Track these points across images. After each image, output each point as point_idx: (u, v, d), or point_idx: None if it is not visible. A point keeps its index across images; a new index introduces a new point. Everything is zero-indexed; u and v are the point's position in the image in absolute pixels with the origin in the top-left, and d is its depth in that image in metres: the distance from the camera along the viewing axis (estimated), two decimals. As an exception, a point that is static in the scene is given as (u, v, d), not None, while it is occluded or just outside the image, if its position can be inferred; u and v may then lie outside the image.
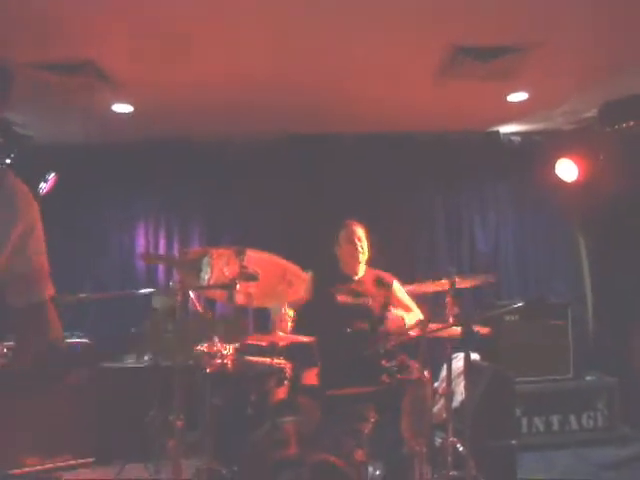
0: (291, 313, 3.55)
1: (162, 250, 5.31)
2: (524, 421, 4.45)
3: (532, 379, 4.53)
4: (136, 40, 3.37)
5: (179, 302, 2.80)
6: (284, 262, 3.08)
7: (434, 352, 3.46)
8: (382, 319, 3.54)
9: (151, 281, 5.22)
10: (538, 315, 4.67)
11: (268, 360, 3.22)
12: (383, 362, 3.26)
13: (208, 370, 3.06)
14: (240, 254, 2.87)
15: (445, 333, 3.07)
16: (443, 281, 3.21)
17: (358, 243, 3.63)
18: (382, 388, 3.15)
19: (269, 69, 3.81)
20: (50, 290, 1.66)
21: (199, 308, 3.45)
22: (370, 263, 3.79)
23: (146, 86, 4.06)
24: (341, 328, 3.44)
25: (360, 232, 3.67)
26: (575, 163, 4.63)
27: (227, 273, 2.95)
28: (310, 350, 3.46)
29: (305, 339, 3.37)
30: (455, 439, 3.10)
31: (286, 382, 3.25)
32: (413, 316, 3.45)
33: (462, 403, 3.57)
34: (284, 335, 3.33)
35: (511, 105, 4.56)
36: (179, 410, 2.74)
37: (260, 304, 3.39)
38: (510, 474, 3.64)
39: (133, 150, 5.19)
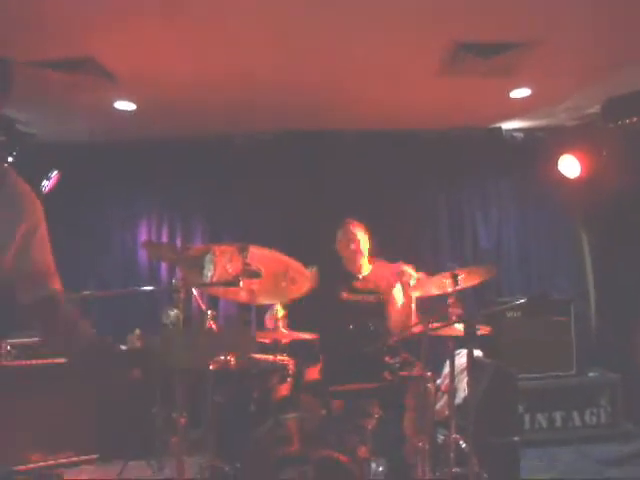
0: (281, 311, 3.54)
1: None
2: (527, 417, 4.44)
3: (535, 375, 4.52)
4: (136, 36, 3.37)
5: (182, 301, 2.80)
6: (287, 259, 3.08)
7: (437, 349, 3.46)
8: (384, 315, 3.56)
9: (154, 279, 5.23)
10: (541, 311, 4.66)
11: (271, 357, 3.22)
12: (386, 359, 3.25)
13: (211, 367, 3.07)
14: (243, 251, 2.87)
15: (448, 331, 3.07)
16: (445, 274, 3.20)
17: (353, 245, 3.65)
18: (385, 385, 3.15)
19: (270, 68, 3.81)
20: (57, 286, 1.66)
21: (202, 305, 3.45)
22: (374, 257, 3.80)
23: (148, 84, 4.06)
24: (344, 325, 3.45)
25: (357, 232, 3.68)
26: (578, 159, 4.62)
27: (230, 270, 2.95)
28: (312, 347, 3.47)
29: (308, 336, 3.37)
30: (458, 436, 3.10)
31: (289, 379, 3.25)
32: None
33: (465, 400, 3.58)
34: (287, 332, 3.33)
35: (514, 101, 4.55)
36: (182, 407, 2.75)
37: (263, 301, 3.39)
38: (513, 471, 3.64)
39: (136, 148, 5.19)
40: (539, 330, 4.64)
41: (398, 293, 3.65)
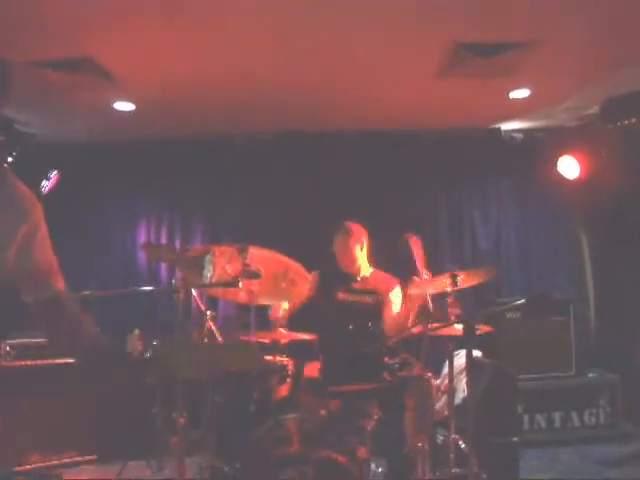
0: (285, 305, 3.55)
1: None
2: (526, 418, 4.45)
3: (534, 376, 4.52)
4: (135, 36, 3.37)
5: (181, 301, 2.81)
6: (287, 260, 3.08)
7: (436, 349, 3.46)
8: (382, 317, 3.56)
9: (153, 279, 5.23)
10: (540, 312, 4.67)
11: (271, 357, 3.22)
12: (385, 359, 3.25)
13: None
14: (243, 252, 2.87)
15: (447, 331, 3.07)
16: (445, 275, 3.20)
17: (345, 249, 3.66)
18: (384, 385, 3.15)
19: (270, 68, 3.81)
20: (60, 284, 1.66)
21: (202, 306, 3.45)
22: (373, 261, 3.81)
23: (147, 84, 4.06)
24: (342, 325, 3.45)
25: (350, 237, 3.69)
26: (577, 160, 4.63)
27: (230, 271, 2.95)
28: (311, 347, 3.47)
29: (307, 336, 3.38)
30: (457, 436, 3.10)
31: (289, 379, 3.26)
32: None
33: (464, 400, 3.58)
34: (286, 332, 3.33)
35: (513, 102, 4.55)
36: (182, 407, 2.75)
37: (263, 302, 3.39)
38: (512, 471, 3.64)
39: (135, 148, 5.19)
40: (538, 330, 4.64)
41: (396, 298, 3.66)
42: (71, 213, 4.96)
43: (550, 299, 4.75)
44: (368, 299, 3.65)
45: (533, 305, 4.31)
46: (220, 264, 2.95)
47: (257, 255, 2.92)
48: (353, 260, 3.69)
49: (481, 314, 3.15)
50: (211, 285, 3.03)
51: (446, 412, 3.29)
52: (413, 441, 2.97)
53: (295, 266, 3.06)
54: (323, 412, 3.08)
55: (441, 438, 3.26)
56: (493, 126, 5.27)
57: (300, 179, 5.22)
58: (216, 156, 5.23)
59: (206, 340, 3.14)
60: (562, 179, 4.74)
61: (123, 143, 5.16)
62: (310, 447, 2.83)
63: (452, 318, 3.08)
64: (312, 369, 3.41)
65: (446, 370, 3.46)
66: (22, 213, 1.58)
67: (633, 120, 4.05)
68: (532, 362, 4.56)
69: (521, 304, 2.82)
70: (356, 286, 3.68)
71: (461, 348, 3.63)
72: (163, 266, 5.30)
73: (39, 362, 4.14)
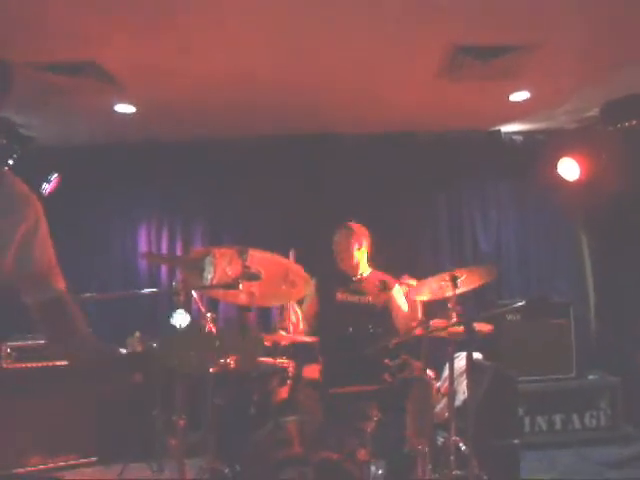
0: (299, 311, 3.56)
1: (165, 250, 5.32)
2: (527, 420, 4.44)
3: (535, 378, 4.52)
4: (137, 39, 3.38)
5: (182, 302, 2.81)
6: (287, 262, 3.09)
7: (436, 351, 3.48)
8: (383, 317, 3.57)
9: (154, 281, 5.23)
10: (540, 314, 4.67)
11: (271, 360, 3.23)
12: (385, 361, 3.26)
13: (211, 370, 3.07)
14: (243, 254, 2.87)
15: (447, 332, 3.08)
16: (445, 274, 3.21)
17: (345, 246, 3.67)
18: (384, 387, 3.16)
19: (269, 69, 3.82)
20: (61, 284, 1.66)
21: (202, 308, 3.45)
22: (373, 263, 3.82)
23: (148, 86, 4.07)
24: (341, 326, 3.46)
25: (351, 235, 3.70)
26: (577, 162, 4.63)
27: (230, 273, 2.95)
28: (312, 349, 3.47)
29: (307, 338, 3.38)
30: (458, 438, 3.11)
31: (289, 381, 3.26)
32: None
33: (464, 402, 3.58)
34: (286, 335, 3.33)
35: (513, 104, 4.56)
36: (182, 410, 2.75)
37: (263, 304, 3.39)
38: (513, 473, 3.64)
39: (135, 151, 5.20)
40: (539, 333, 4.64)
41: (398, 294, 3.66)
42: (72, 215, 4.96)
43: (550, 301, 4.75)
44: (367, 299, 3.66)
45: (533, 307, 4.32)
46: (220, 266, 2.95)
47: (257, 257, 2.92)
48: (352, 258, 3.69)
49: (481, 316, 3.15)
50: (211, 287, 3.03)
51: (446, 414, 3.29)
52: (413, 443, 2.97)
53: (295, 268, 3.07)
54: (323, 414, 3.09)
55: (441, 440, 3.26)
56: (493, 128, 5.28)
57: (300, 181, 5.23)
58: (216, 158, 5.24)
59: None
60: (562, 181, 4.74)
61: (124, 145, 5.17)
62: (310, 449, 2.83)
63: (453, 320, 3.09)
64: (312, 371, 3.42)
65: (447, 372, 3.46)
66: (21, 213, 1.58)
67: (633, 122, 4.05)
68: (533, 364, 4.56)
69: (521, 306, 2.83)
70: (354, 286, 3.69)
71: (461, 350, 3.64)
72: (163, 268, 5.31)
73: (40, 364, 4.15)
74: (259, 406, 3.19)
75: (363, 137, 5.16)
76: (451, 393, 3.19)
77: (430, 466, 2.97)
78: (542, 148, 5.14)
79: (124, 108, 4.45)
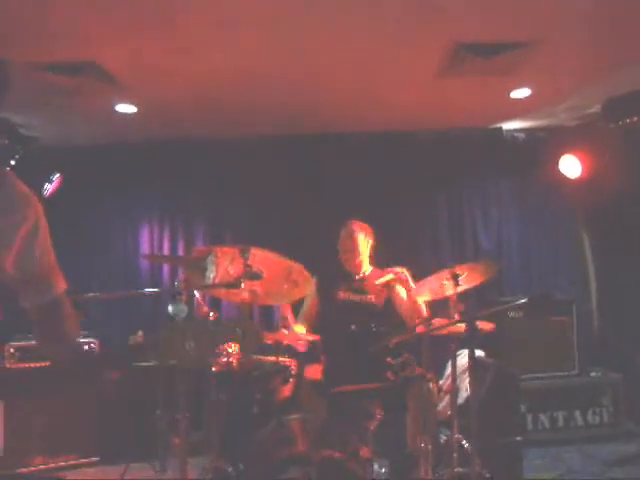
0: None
1: (166, 249, 5.32)
2: (529, 417, 4.45)
3: (537, 375, 4.53)
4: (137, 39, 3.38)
5: (186, 302, 2.81)
6: (289, 261, 3.09)
7: (439, 349, 3.47)
8: (385, 315, 3.57)
9: (155, 281, 5.24)
10: (542, 312, 4.67)
11: (273, 358, 3.23)
12: (388, 359, 3.26)
13: (214, 369, 3.07)
14: (245, 253, 2.87)
15: (449, 330, 3.08)
16: (446, 270, 3.21)
17: (351, 245, 3.67)
18: (387, 385, 3.16)
19: (270, 69, 3.82)
20: (62, 285, 1.66)
21: (204, 307, 3.46)
22: (375, 262, 3.82)
23: (149, 86, 4.07)
24: (344, 324, 3.46)
25: (358, 233, 3.69)
26: (579, 159, 4.62)
27: (232, 272, 2.96)
28: (314, 348, 3.48)
29: (309, 337, 3.38)
30: (460, 436, 3.11)
31: (291, 380, 3.26)
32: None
33: (467, 400, 3.58)
34: (288, 333, 3.34)
35: (514, 101, 4.55)
36: (184, 408, 2.75)
37: (265, 303, 3.40)
38: (516, 470, 3.64)
39: (136, 150, 5.21)
40: (541, 330, 4.65)
41: (400, 289, 3.66)
42: (73, 215, 4.97)
43: (552, 299, 4.76)
44: (370, 298, 3.66)
45: (535, 305, 4.32)
46: (222, 265, 2.95)
47: (259, 256, 2.93)
48: (357, 257, 3.68)
49: (482, 313, 3.15)
50: (213, 286, 3.03)
51: (449, 412, 3.29)
52: (416, 441, 2.97)
53: (297, 267, 3.07)
54: (326, 412, 3.09)
55: (444, 438, 3.26)
56: (494, 126, 5.27)
57: (300, 180, 5.23)
58: (217, 157, 5.23)
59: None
60: (563, 178, 4.73)
61: (125, 145, 5.17)
62: (313, 447, 2.83)
63: (455, 317, 3.09)
64: (315, 370, 3.42)
65: (449, 370, 3.46)
66: (21, 214, 1.57)
67: (635, 119, 4.05)
68: (535, 362, 4.57)
69: (522, 304, 2.83)
70: (356, 285, 3.69)
71: (463, 348, 3.64)
72: (165, 268, 5.31)
73: (43, 364, 4.15)
74: (262, 405, 3.19)
75: (364, 136, 5.16)
76: (453, 391, 3.20)
77: (433, 464, 2.96)
78: (543, 145, 5.14)
79: (125, 108, 4.45)
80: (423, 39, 3.48)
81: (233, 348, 3.10)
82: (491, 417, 3.58)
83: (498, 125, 5.27)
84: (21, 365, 4.18)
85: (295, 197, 5.20)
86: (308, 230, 4.93)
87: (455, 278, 3.16)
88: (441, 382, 3.84)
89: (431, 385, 3.11)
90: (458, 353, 3.45)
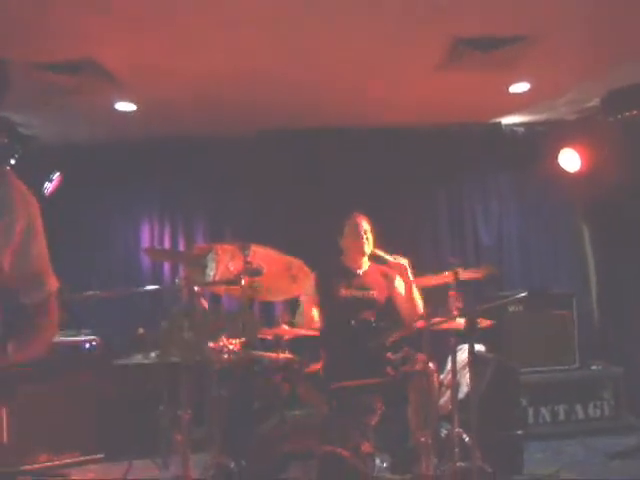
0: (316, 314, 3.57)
1: (167, 246, 5.33)
2: (530, 411, 4.46)
3: (538, 369, 4.54)
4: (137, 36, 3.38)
5: (185, 298, 2.83)
6: (288, 257, 3.10)
7: (439, 344, 3.48)
8: (386, 310, 3.58)
9: (156, 278, 5.25)
10: (543, 305, 4.68)
11: (274, 354, 3.24)
12: (388, 354, 3.27)
13: (215, 365, 3.08)
14: (245, 249, 2.88)
15: (449, 325, 3.09)
16: (446, 274, 3.22)
17: (363, 235, 3.65)
18: (387, 380, 3.17)
19: (270, 65, 3.82)
20: (55, 283, 1.67)
21: (205, 304, 3.46)
22: (374, 258, 3.82)
23: (148, 84, 4.07)
24: (345, 320, 3.47)
25: (365, 224, 3.69)
26: (578, 153, 4.62)
27: (232, 268, 2.97)
28: (314, 343, 3.49)
29: (310, 333, 3.39)
30: (461, 430, 3.12)
31: (292, 376, 3.27)
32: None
33: (468, 394, 3.59)
34: (288, 329, 3.34)
35: (513, 96, 4.55)
36: (186, 405, 2.77)
37: (265, 299, 3.41)
38: (516, 464, 3.66)
39: (137, 148, 5.21)
40: (541, 324, 4.66)
41: (400, 284, 3.66)
42: (74, 213, 4.98)
43: (551, 292, 4.77)
44: (371, 294, 3.66)
45: (536, 299, 4.33)
46: (223, 262, 2.97)
47: (259, 252, 2.94)
48: (361, 251, 3.68)
49: (482, 308, 3.15)
50: (214, 283, 3.04)
51: (450, 406, 3.30)
52: (417, 435, 2.99)
53: (297, 263, 3.08)
54: (327, 408, 3.10)
55: (445, 432, 3.28)
56: (493, 120, 5.27)
57: (300, 175, 5.23)
58: (217, 154, 5.24)
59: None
60: (563, 172, 4.73)
61: (125, 143, 5.17)
62: (314, 442, 2.85)
63: (454, 312, 3.10)
64: (316, 366, 3.43)
65: (450, 365, 3.47)
66: (19, 213, 1.58)
67: (634, 112, 4.05)
68: (535, 355, 4.57)
69: (522, 297, 2.84)
70: (357, 281, 3.69)
71: (464, 343, 3.64)
72: (166, 265, 5.32)
73: (46, 361, 4.16)
74: (263, 400, 3.21)
75: (363, 131, 5.16)
76: (454, 385, 3.21)
77: (434, 458, 2.98)
78: (543, 139, 5.13)
79: (124, 106, 4.46)
80: (422, 33, 3.48)
81: (234, 343, 3.11)
82: (492, 411, 3.59)
83: (497, 119, 5.26)
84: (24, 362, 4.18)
85: (295, 193, 5.20)
86: (308, 225, 4.93)
87: (455, 276, 3.17)
88: (442, 377, 3.85)
89: (432, 379, 3.11)
90: (458, 348, 3.46)
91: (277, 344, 3.27)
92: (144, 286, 5.00)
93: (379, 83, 4.24)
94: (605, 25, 3.40)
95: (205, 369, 3.13)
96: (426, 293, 3.59)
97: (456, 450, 3.06)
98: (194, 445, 2.94)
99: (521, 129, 5.34)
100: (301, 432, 2.98)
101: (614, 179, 4.47)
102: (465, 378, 3.75)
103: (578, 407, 4.53)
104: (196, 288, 3.24)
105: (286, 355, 3.30)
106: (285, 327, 3.34)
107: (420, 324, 3.10)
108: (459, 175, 5.44)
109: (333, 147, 5.20)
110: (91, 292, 4.62)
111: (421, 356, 3.27)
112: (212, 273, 2.94)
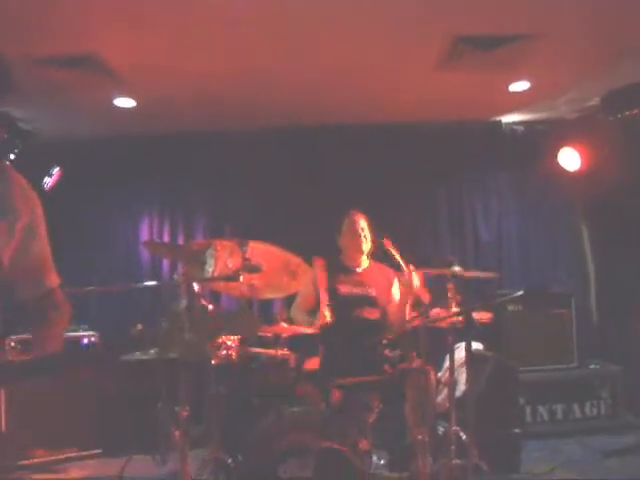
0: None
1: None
2: (528, 410, 4.46)
3: (536, 368, 4.54)
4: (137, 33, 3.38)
5: (183, 295, 2.82)
6: (287, 254, 3.10)
7: (437, 342, 3.48)
8: (386, 309, 3.59)
9: (156, 275, 5.25)
10: (541, 304, 4.68)
11: (272, 351, 3.24)
12: (385, 352, 3.27)
13: (213, 362, 3.09)
14: (243, 246, 2.88)
15: (446, 323, 3.09)
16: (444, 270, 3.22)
17: (361, 233, 3.66)
18: (385, 378, 3.17)
19: (269, 63, 3.82)
20: (56, 279, 1.68)
21: (203, 301, 3.46)
22: (373, 255, 3.82)
23: (148, 80, 4.07)
24: (344, 318, 3.47)
25: (363, 222, 3.70)
26: (578, 152, 4.62)
27: (230, 265, 2.97)
28: (313, 341, 3.49)
29: (308, 330, 3.39)
30: (458, 428, 3.12)
31: (290, 373, 3.27)
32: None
33: (465, 392, 3.59)
34: (287, 326, 3.35)
35: (513, 94, 4.55)
36: (185, 401, 2.77)
37: (264, 296, 3.41)
38: (514, 462, 3.66)
39: (136, 144, 5.21)
40: (540, 323, 4.66)
41: (396, 290, 3.68)
42: (73, 209, 4.98)
43: (548, 291, 4.77)
44: (370, 292, 3.67)
45: (530, 297, 4.34)
46: (222, 258, 2.97)
47: (257, 249, 2.94)
48: (361, 248, 3.68)
49: (479, 305, 3.16)
50: (212, 279, 3.04)
51: (447, 404, 3.31)
52: (414, 433, 2.99)
53: (295, 259, 3.08)
54: (324, 404, 3.10)
55: (442, 430, 3.28)
56: (493, 119, 5.27)
57: (300, 172, 5.22)
58: (217, 151, 5.24)
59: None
60: (563, 171, 4.73)
61: (124, 139, 5.17)
62: (312, 439, 2.85)
63: (452, 309, 3.10)
64: (313, 363, 3.43)
65: (447, 363, 3.48)
66: (17, 209, 1.58)
67: (634, 111, 4.05)
68: (534, 354, 4.57)
69: (519, 296, 2.84)
70: (357, 278, 3.69)
71: (461, 341, 3.65)
72: (165, 262, 5.32)
73: (44, 356, 4.17)
74: (261, 397, 3.21)
75: (363, 129, 5.16)
76: (452, 383, 3.21)
77: (431, 456, 2.98)
78: (543, 138, 5.13)
79: (124, 102, 4.46)
80: (422, 32, 3.48)
81: (232, 340, 3.11)
82: (490, 409, 3.60)
83: (497, 118, 5.26)
84: (22, 357, 4.19)
85: (295, 189, 5.20)
86: (308, 222, 4.93)
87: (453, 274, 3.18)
88: (439, 375, 3.86)
89: (429, 377, 3.12)
90: (456, 346, 3.46)
91: (276, 341, 3.27)
92: (143, 282, 5.01)
93: (379, 81, 4.24)
94: (605, 24, 3.40)
95: (203, 366, 3.13)
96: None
97: (453, 448, 3.07)
98: (192, 441, 2.94)
99: (521, 128, 5.34)
100: (299, 429, 2.98)
101: (614, 178, 4.47)
102: (463, 376, 3.75)
103: (576, 406, 4.53)
104: (196, 287, 3.25)
105: (284, 352, 3.30)
106: (284, 324, 3.34)
107: (417, 322, 3.10)
108: (459, 173, 5.44)
109: (333, 145, 5.20)
110: (90, 287, 4.62)
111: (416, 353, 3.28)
112: (211, 269, 2.94)
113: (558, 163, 4.72)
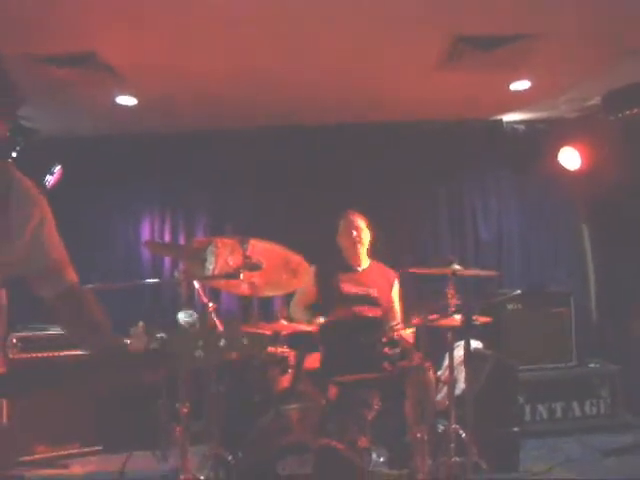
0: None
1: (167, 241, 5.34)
2: (528, 408, 4.47)
3: (535, 366, 4.55)
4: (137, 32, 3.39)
5: (185, 295, 2.84)
6: (288, 252, 3.11)
7: (437, 340, 3.50)
8: (386, 308, 3.60)
9: (157, 273, 5.26)
10: (541, 303, 4.69)
11: (272, 349, 3.26)
12: (385, 350, 3.29)
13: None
14: (244, 244, 2.90)
15: (446, 322, 3.10)
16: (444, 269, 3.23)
17: (355, 233, 3.68)
18: (384, 375, 3.18)
19: (270, 63, 3.83)
20: (73, 276, 1.68)
21: (204, 299, 3.48)
22: (373, 254, 3.83)
23: (150, 79, 4.08)
24: (345, 316, 3.49)
25: (359, 222, 3.71)
26: (578, 151, 4.63)
27: (231, 263, 2.98)
28: (312, 338, 3.50)
29: (307, 328, 3.41)
30: (457, 426, 3.14)
31: (290, 370, 3.29)
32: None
33: (464, 391, 3.61)
34: (287, 324, 3.36)
35: (514, 94, 4.56)
36: (185, 399, 2.79)
37: (264, 293, 3.42)
38: (513, 461, 3.67)
39: (137, 143, 5.22)
40: (539, 322, 4.67)
41: (396, 293, 3.70)
42: (74, 207, 4.97)
43: (546, 290, 4.78)
44: (371, 291, 3.68)
45: (529, 296, 4.35)
46: (222, 256, 2.98)
47: (258, 247, 2.95)
48: (361, 244, 3.69)
49: (478, 305, 3.17)
50: (213, 277, 3.06)
51: (447, 402, 3.32)
52: (413, 431, 3.00)
53: (296, 258, 3.09)
54: (324, 402, 3.12)
55: (442, 428, 3.29)
56: (494, 118, 5.27)
57: (300, 171, 5.23)
58: (218, 149, 5.25)
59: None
60: (563, 170, 4.74)
61: (126, 138, 5.18)
62: (311, 436, 2.86)
63: (451, 308, 3.11)
64: (313, 360, 3.45)
65: (447, 361, 3.49)
66: (29, 208, 1.59)
67: (635, 111, 4.05)
68: (533, 353, 4.58)
69: (517, 295, 2.85)
70: (358, 277, 3.70)
71: (461, 339, 3.66)
72: (167, 261, 5.33)
73: (46, 354, 4.19)
74: (261, 394, 3.23)
75: (364, 128, 5.17)
76: (451, 382, 3.22)
77: (430, 454, 2.99)
78: (543, 137, 5.14)
79: (125, 100, 4.46)
80: (423, 31, 3.49)
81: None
82: (489, 408, 3.61)
83: (498, 117, 5.27)
84: (23, 355, 4.21)
85: (295, 189, 5.21)
86: (308, 221, 4.94)
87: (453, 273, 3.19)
88: (439, 373, 3.87)
89: (428, 374, 3.13)
90: (456, 344, 3.47)
91: (275, 339, 3.28)
92: (144, 279, 5.02)
93: (379, 81, 4.25)
94: (605, 24, 3.40)
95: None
96: (425, 289, 3.61)
97: (452, 446, 3.08)
98: (192, 438, 2.97)
99: (522, 127, 5.34)
100: (298, 426, 3.00)
101: (614, 178, 4.47)
102: (462, 374, 3.77)
103: (575, 405, 4.54)
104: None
105: (284, 350, 3.31)
106: (284, 322, 3.35)
107: (417, 321, 3.11)
108: (459, 172, 5.44)
109: (333, 144, 5.20)
110: (90, 285, 4.62)
111: (417, 353, 3.29)
112: (211, 267, 2.95)
113: (558, 162, 4.73)
